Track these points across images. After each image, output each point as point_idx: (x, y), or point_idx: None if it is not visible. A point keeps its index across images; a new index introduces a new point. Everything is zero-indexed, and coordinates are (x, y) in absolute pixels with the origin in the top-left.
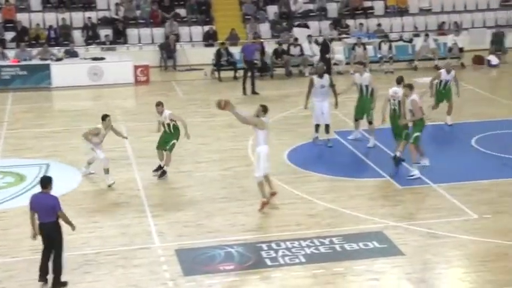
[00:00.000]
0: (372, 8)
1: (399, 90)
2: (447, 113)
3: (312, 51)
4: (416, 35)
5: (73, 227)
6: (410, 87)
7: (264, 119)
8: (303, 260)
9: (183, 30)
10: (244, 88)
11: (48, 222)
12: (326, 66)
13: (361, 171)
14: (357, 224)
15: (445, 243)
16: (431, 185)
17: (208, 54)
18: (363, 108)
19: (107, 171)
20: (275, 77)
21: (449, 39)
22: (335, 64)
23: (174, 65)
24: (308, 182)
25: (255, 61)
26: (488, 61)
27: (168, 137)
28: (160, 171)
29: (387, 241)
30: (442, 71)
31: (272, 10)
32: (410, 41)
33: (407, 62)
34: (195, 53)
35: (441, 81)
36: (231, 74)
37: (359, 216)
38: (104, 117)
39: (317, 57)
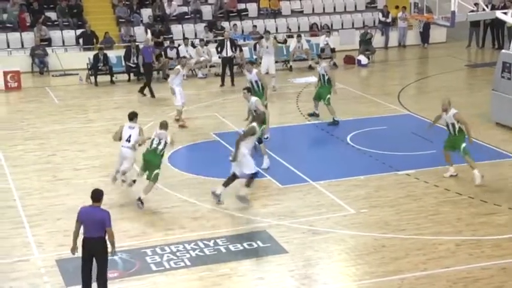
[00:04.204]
0: (246, 10)
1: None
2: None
3: (189, 53)
4: (290, 36)
5: (113, 250)
6: None
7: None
8: (188, 263)
9: (55, 34)
10: (143, 90)
11: (95, 237)
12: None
13: None
14: (240, 225)
15: (326, 239)
16: (310, 182)
17: (82, 59)
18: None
19: None
20: (153, 79)
21: (321, 40)
22: (212, 66)
23: (47, 70)
24: (191, 184)
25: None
26: (359, 61)
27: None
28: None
29: (271, 240)
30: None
31: (146, 13)
32: (285, 42)
33: (282, 63)
34: (69, 57)
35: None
36: (107, 78)
37: (242, 216)
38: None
39: (193, 60)
